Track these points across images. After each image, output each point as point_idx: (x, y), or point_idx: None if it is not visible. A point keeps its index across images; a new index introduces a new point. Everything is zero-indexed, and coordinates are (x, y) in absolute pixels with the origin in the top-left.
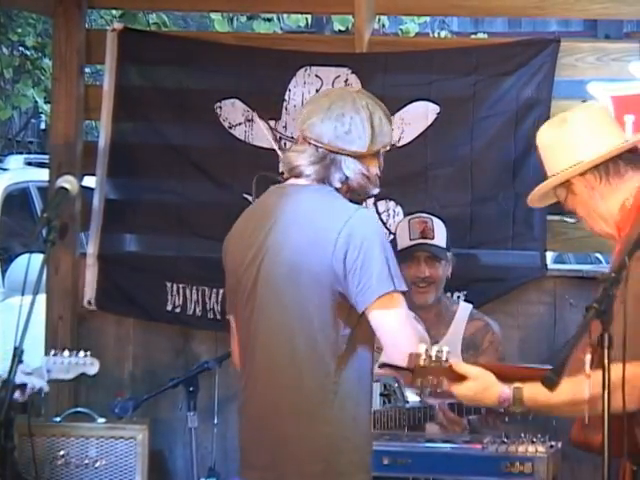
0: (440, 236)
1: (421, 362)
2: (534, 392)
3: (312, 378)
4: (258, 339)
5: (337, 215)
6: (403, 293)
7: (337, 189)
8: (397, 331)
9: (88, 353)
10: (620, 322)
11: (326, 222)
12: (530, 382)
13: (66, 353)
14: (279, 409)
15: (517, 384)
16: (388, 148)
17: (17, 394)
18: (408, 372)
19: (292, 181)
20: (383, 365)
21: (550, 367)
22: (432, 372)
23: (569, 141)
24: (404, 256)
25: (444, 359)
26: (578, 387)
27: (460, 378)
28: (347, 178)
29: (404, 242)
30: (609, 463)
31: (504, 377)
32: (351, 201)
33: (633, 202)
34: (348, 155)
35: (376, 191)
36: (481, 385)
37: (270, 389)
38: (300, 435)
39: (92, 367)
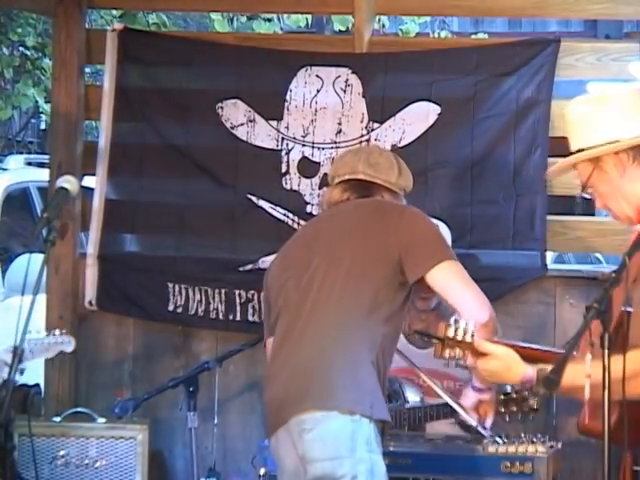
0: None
1: (450, 333)
2: (574, 371)
3: (357, 331)
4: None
5: (393, 205)
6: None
7: None
8: (468, 286)
9: (64, 331)
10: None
11: (383, 207)
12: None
13: (43, 333)
14: (313, 343)
15: (541, 365)
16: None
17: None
18: (438, 342)
19: None
20: (417, 332)
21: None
22: (459, 345)
23: (606, 118)
24: None
25: (470, 334)
26: (600, 370)
27: (484, 355)
28: None
29: None
30: (609, 462)
31: (525, 358)
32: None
33: None
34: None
35: None
36: (505, 364)
37: (312, 334)
38: (336, 366)
39: (69, 345)
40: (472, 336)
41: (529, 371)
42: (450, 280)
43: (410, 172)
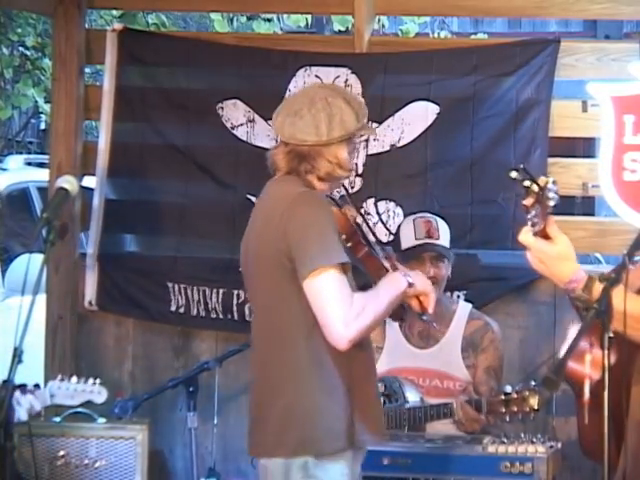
0: (444, 236)
1: (535, 188)
2: (620, 294)
3: (282, 353)
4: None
5: (283, 199)
6: (343, 266)
7: (307, 179)
8: (320, 303)
9: (97, 381)
10: None
11: (273, 208)
12: None
13: (74, 379)
14: (259, 383)
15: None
16: (362, 134)
17: (21, 414)
18: (537, 191)
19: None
20: (523, 169)
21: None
22: (543, 207)
23: None
24: (409, 255)
25: (550, 203)
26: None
27: (548, 238)
28: (313, 167)
29: (409, 242)
30: (609, 462)
31: None
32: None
33: None
34: (311, 146)
35: (347, 175)
36: (564, 254)
37: (254, 366)
38: (275, 407)
39: (100, 395)
40: (554, 206)
41: (581, 272)
42: (311, 299)
43: (359, 101)
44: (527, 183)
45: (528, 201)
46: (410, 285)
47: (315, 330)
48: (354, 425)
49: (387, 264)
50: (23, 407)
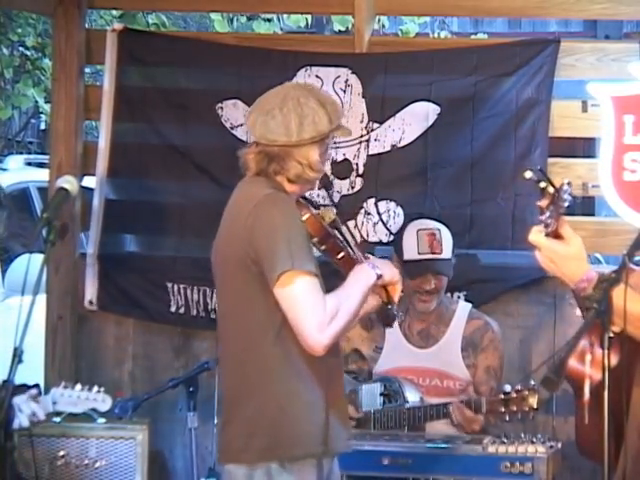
0: (447, 247)
1: (550, 190)
2: (621, 293)
3: (247, 358)
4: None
5: (249, 201)
6: (310, 273)
7: (276, 180)
8: (294, 310)
9: (102, 389)
10: None
11: (241, 210)
12: None
13: (77, 387)
14: (226, 387)
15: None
16: (335, 135)
17: (22, 420)
18: (553, 192)
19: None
20: (539, 169)
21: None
22: (557, 208)
23: None
24: (412, 271)
25: (564, 204)
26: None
27: (559, 238)
28: (282, 169)
29: (411, 254)
30: (609, 462)
31: None
32: (303, 196)
33: None
34: (281, 147)
35: (318, 177)
36: (574, 253)
37: (222, 370)
38: (240, 414)
39: (104, 404)
40: (567, 207)
41: (592, 272)
42: (284, 305)
43: (332, 102)
44: (543, 184)
45: (543, 202)
46: (379, 277)
47: (282, 334)
48: (322, 430)
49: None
50: (24, 413)
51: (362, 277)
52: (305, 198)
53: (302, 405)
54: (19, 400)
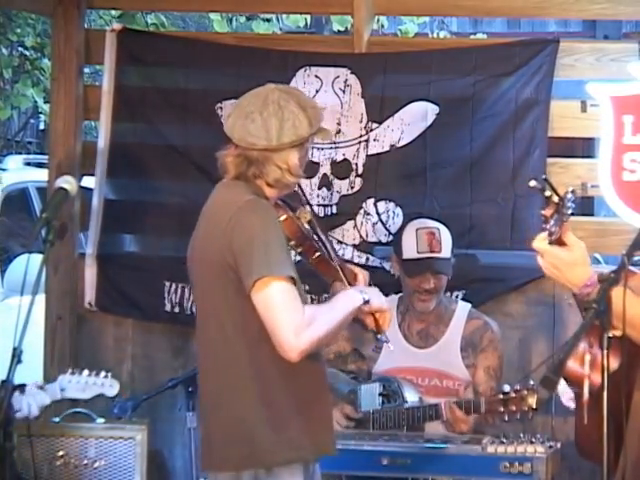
0: (446, 246)
1: (555, 199)
2: (620, 294)
3: (224, 365)
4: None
5: (228, 206)
6: (287, 278)
7: (255, 184)
8: (270, 313)
9: (109, 374)
10: None
11: (220, 214)
12: None
13: (85, 372)
14: (203, 394)
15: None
16: (316, 139)
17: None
18: (558, 202)
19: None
20: (544, 180)
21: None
22: (561, 216)
23: None
24: (411, 270)
25: (568, 212)
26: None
27: (562, 245)
28: (261, 173)
29: (411, 253)
30: (609, 462)
31: None
32: (282, 198)
33: None
34: (260, 151)
35: (297, 181)
36: (578, 259)
37: (199, 376)
38: (219, 420)
39: (111, 388)
40: (570, 214)
41: (595, 277)
42: (260, 309)
43: (313, 105)
44: (548, 193)
45: (548, 211)
46: (365, 302)
47: (260, 342)
48: (306, 435)
49: (339, 267)
50: (35, 403)
51: (347, 298)
52: (282, 199)
53: (283, 411)
54: (27, 391)
